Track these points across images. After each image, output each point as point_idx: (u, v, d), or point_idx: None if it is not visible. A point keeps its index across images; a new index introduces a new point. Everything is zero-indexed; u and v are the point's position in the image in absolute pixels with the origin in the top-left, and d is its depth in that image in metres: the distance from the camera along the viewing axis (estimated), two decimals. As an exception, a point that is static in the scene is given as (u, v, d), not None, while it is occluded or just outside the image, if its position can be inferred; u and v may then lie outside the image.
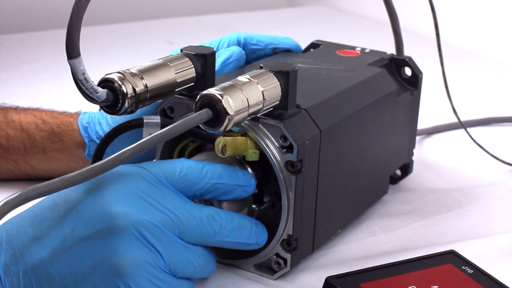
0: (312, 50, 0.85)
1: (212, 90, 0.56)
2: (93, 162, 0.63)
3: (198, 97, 0.57)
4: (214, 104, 0.56)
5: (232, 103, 0.56)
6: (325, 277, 0.61)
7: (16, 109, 0.80)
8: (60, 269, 0.53)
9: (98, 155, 0.65)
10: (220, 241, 0.58)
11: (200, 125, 0.56)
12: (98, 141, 0.76)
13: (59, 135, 0.77)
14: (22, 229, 0.53)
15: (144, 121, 0.62)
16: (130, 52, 1.35)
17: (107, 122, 0.76)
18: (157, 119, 0.62)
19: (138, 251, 0.53)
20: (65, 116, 0.79)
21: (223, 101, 0.56)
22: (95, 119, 0.78)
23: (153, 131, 0.60)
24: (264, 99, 0.59)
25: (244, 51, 0.75)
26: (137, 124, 0.63)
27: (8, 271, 0.52)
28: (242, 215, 0.61)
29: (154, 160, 0.68)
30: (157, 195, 0.56)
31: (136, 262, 0.53)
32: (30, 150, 0.77)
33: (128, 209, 0.54)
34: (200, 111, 0.56)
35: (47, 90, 1.10)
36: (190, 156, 0.66)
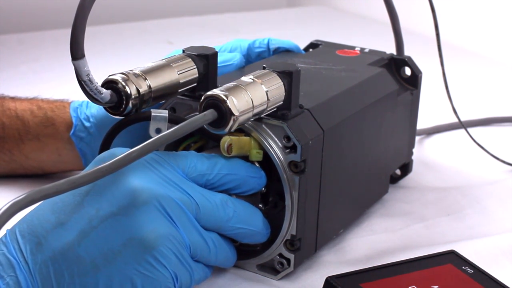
0: (311, 50, 0.85)
1: (216, 91, 0.57)
2: (100, 152, 0.63)
3: (202, 98, 0.57)
4: (219, 105, 0.56)
5: (237, 104, 0.56)
6: (325, 277, 0.61)
7: (13, 98, 0.81)
8: (89, 250, 0.53)
9: (105, 145, 0.65)
10: (233, 227, 0.59)
11: (205, 126, 0.56)
12: (85, 122, 0.76)
13: (52, 118, 0.78)
14: (44, 217, 0.54)
15: (152, 114, 0.61)
16: (130, 52, 1.35)
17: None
18: (164, 113, 0.62)
19: (162, 225, 0.54)
20: (60, 101, 0.80)
21: (228, 101, 0.56)
22: (86, 102, 0.78)
23: (160, 124, 0.61)
24: (268, 99, 0.59)
25: (244, 59, 0.76)
26: (145, 117, 0.63)
27: (35, 260, 0.52)
28: (252, 205, 0.61)
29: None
30: (174, 178, 0.56)
31: (162, 236, 0.53)
32: (24, 137, 0.77)
33: (149, 184, 0.54)
34: (205, 112, 0.56)
35: (47, 90, 1.10)
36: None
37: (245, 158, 0.62)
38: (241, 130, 0.62)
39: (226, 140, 0.60)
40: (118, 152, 0.54)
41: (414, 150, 0.85)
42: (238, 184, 0.60)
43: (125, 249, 0.53)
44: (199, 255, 0.57)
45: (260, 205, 0.64)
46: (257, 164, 0.62)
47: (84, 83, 0.54)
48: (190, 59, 0.63)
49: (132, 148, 0.53)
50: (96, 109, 0.76)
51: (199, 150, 0.66)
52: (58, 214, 0.54)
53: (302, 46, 0.86)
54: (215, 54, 0.64)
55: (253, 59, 0.79)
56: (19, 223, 0.54)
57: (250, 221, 0.60)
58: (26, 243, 0.53)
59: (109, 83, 0.58)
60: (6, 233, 0.54)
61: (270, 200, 0.65)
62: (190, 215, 0.56)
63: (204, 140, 0.66)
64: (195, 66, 0.63)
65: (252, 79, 0.59)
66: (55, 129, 0.77)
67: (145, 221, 0.53)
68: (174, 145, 0.67)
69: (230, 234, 0.60)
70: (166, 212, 0.54)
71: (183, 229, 0.55)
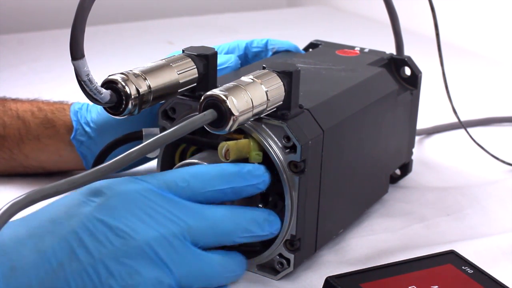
0: (311, 50, 0.85)
1: (216, 91, 0.57)
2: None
3: (202, 98, 0.57)
4: (218, 105, 0.56)
5: (237, 104, 0.56)
6: (325, 277, 0.61)
7: (14, 99, 0.82)
8: (71, 284, 0.51)
9: (98, 164, 0.65)
10: (236, 239, 0.58)
11: (204, 126, 0.56)
12: (85, 127, 0.77)
13: (52, 120, 0.78)
14: (18, 239, 0.51)
15: (144, 133, 0.62)
16: (130, 52, 1.35)
17: (97, 109, 0.77)
18: (156, 131, 0.62)
19: (150, 270, 0.52)
20: (60, 103, 0.80)
21: (227, 101, 0.56)
22: (86, 105, 0.79)
23: None
24: (268, 99, 0.59)
25: (239, 60, 0.75)
26: (136, 137, 0.63)
27: (9, 286, 0.49)
28: (253, 208, 0.60)
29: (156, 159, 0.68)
30: (165, 205, 0.55)
31: (149, 281, 0.52)
32: (24, 137, 0.78)
33: (136, 225, 0.53)
34: (204, 112, 0.56)
35: (47, 90, 1.10)
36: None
37: (245, 160, 0.62)
38: (240, 131, 0.62)
39: (223, 146, 0.60)
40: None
41: (414, 150, 0.85)
42: (234, 193, 0.59)
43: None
44: (196, 284, 0.55)
45: (260, 205, 0.64)
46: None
47: (83, 83, 0.54)
48: (190, 59, 0.63)
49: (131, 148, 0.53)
50: (96, 114, 0.77)
51: (198, 151, 0.66)
52: (35, 241, 0.51)
53: (302, 46, 0.86)
54: (215, 54, 0.64)
55: (250, 58, 0.79)
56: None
57: (253, 228, 0.59)
58: None
59: (108, 83, 0.58)
60: None
61: (270, 200, 0.65)
62: (182, 246, 0.54)
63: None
64: (195, 66, 0.63)
65: (252, 79, 0.59)
66: (56, 131, 0.78)
67: (132, 267, 0.52)
68: (173, 147, 0.67)
69: (235, 244, 0.59)
70: (156, 254, 0.53)
71: (174, 266, 0.53)
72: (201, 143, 0.63)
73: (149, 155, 0.63)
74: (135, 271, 0.52)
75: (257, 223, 0.59)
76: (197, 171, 0.58)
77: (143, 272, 0.52)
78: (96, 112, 0.77)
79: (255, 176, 0.60)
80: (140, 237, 0.52)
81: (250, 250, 0.64)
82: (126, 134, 0.64)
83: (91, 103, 0.78)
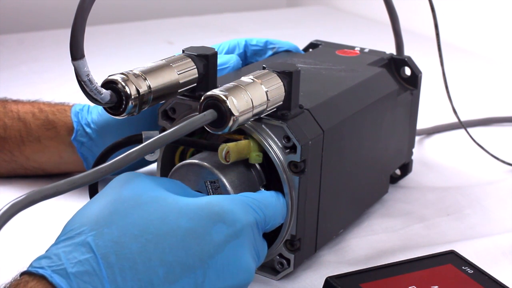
0: (311, 50, 0.85)
1: (216, 91, 0.57)
2: None
3: (202, 98, 0.57)
4: (218, 105, 0.56)
5: (237, 104, 0.56)
6: (325, 277, 0.61)
7: (15, 101, 0.82)
8: None
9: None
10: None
11: (205, 126, 0.56)
12: (86, 128, 0.77)
13: (53, 122, 0.78)
14: (151, 267, 0.49)
15: (143, 136, 0.62)
16: (130, 52, 1.35)
17: (97, 110, 0.77)
18: (155, 134, 0.62)
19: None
20: (61, 105, 0.80)
21: (227, 102, 0.56)
22: (87, 107, 0.79)
23: None
24: (268, 99, 0.59)
25: (240, 61, 0.75)
26: (136, 140, 0.63)
27: None
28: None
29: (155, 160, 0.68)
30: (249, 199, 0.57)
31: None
32: (25, 139, 0.78)
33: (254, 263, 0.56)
34: (204, 112, 0.56)
35: (47, 90, 1.10)
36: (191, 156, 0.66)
37: (245, 161, 0.62)
38: (240, 131, 0.62)
39: (223, 148, 0.60)
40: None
41: (414, 150, 0.85)
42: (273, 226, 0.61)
43: None
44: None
45: None
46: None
47: (84, 83, 0.54)
48: (190, 59, 0.63)
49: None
50: (96, 115, 0.77)
51: (197, 152, 0.66)
52: (166, 269, 0.49)
53: (302, 46, 0.86)
54: (215, 54, 0.64)
55: (249, 56, 0.79)
56: (115, 252, 0.49)
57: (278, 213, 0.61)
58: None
59: (109, 84, 0.58)
60: (96, 257, 0.48)
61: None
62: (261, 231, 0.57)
63: (203, 140, 0.66)
64: (195, 66, 0.63)
65: (252, 79, 0.59)
66: (56, 133, 0.78)
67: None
68: (173, 147, 0.67)
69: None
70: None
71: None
72: (200, 145, 0.63)
73: (148, 158, 0.63)
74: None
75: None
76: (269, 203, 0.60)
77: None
78: (96, 113, 0.77)
79: (281, 206, 0.62)
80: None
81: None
82: (126, 137, 0.63)
83: (92, 104, 0.78)
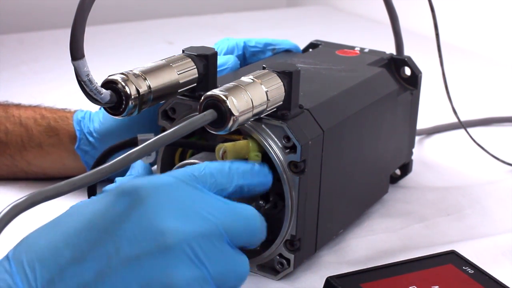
0: (311, 50, 0.85)
1: (216, 91, 0.57)
2: None
3: (202, 98, 0.57)
4: (218, 105, 0.56)
5: (237, 104, 0.56)
6: (326, 277, 0.61)
7: (17, 105, 0.81)
8: None
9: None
10: (262, 237, 0.55)
11: (205, 126, 0.56)
12: (89, 137, 0.77)
13: (55, 129, 0.78)
14: (57, 251, 0.50)
15: (139, 138, 0.62)
16: (130, 52, 1.35)
17: (99, 119, 0.77)
18: (151, 136, 0.62)
19: (187, 270, 0.50)
20: (63, 111, 0.80)
21: (227, 101, 0.56)
22: (89, 114, 0.78)
23: None
24: (268, 99, 0.59)
25: (238, 61, 0.75)
26: (132, 143, 0.63)
27: None
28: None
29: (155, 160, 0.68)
30: (201, 202, 0.53)
31: (186, 281, 0.50)
32: (27, 144, 0.78)
33: (176, 223, 0.50)
34: (204, 112, 0.56)
35: (47, 90, 1.10)
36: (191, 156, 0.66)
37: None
38: (239, 132, 0.62)
39: (220, 148, 0.60)
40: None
41: (414, 150, 0.85)
42: (248, 190, 0.57)
43: None
44: (227, 284, 0.53)
45: (261, 202, 0.64)
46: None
47: (83, 83, 0.54)
48: (190, 59, 0.63)
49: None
50: (98, 124, 0.77)
51: (196, 152, 0.66)
52: (74, 249, 0.50)
53: (302, 46, 0.86)
54: (215, 54, 0.64)
55: (248, 57, 0.79)
56: (25, 251, 0.50)
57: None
58: (37, 278, 0.49)
59: (108, 84, 0.58)
60: (9, 260, 0.50)
61: (270, 200, 0.65)
62: (220, 245, 0.52)
63: (202, 140, 0.66)
64: (195, 66, 0.63)
65: (252, 79, 0.59)
66: (59, 140, 0.78)
67: (169, 266, 0.49)
68: (173, 148, 0.67)
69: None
70: (194, 254, 0.50)
71: (210, 266, 0.51)
72: (198, 146, 0.63)
73: (145, 161, 0.63)
74: (172, 270, 0.50)
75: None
76: (221, 167, 0.56)
77: (180, 271, 0.50)
78: (98, 122, 0.77)
79: (265, 174, 0.59)
80: (177, 236, 0.50)
81: (250, 250, 0.64)
82: (122, 141, 0.63)
83: (93, 110, 0.78)
